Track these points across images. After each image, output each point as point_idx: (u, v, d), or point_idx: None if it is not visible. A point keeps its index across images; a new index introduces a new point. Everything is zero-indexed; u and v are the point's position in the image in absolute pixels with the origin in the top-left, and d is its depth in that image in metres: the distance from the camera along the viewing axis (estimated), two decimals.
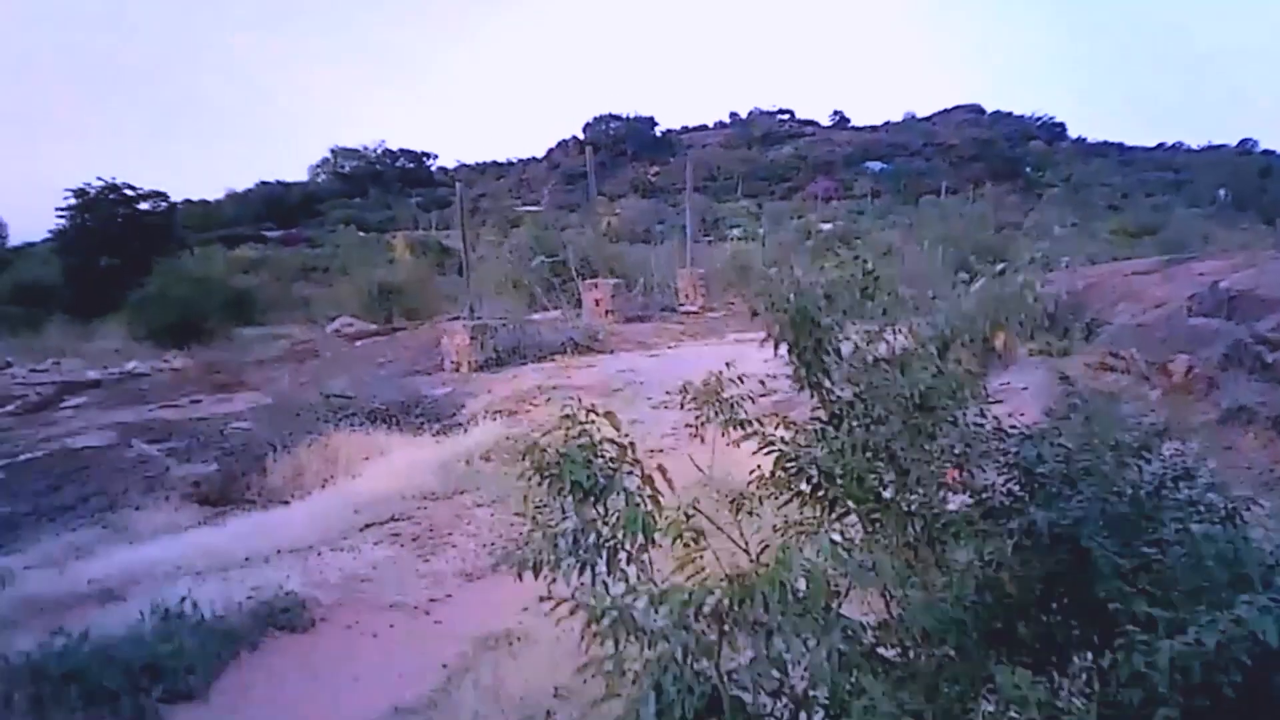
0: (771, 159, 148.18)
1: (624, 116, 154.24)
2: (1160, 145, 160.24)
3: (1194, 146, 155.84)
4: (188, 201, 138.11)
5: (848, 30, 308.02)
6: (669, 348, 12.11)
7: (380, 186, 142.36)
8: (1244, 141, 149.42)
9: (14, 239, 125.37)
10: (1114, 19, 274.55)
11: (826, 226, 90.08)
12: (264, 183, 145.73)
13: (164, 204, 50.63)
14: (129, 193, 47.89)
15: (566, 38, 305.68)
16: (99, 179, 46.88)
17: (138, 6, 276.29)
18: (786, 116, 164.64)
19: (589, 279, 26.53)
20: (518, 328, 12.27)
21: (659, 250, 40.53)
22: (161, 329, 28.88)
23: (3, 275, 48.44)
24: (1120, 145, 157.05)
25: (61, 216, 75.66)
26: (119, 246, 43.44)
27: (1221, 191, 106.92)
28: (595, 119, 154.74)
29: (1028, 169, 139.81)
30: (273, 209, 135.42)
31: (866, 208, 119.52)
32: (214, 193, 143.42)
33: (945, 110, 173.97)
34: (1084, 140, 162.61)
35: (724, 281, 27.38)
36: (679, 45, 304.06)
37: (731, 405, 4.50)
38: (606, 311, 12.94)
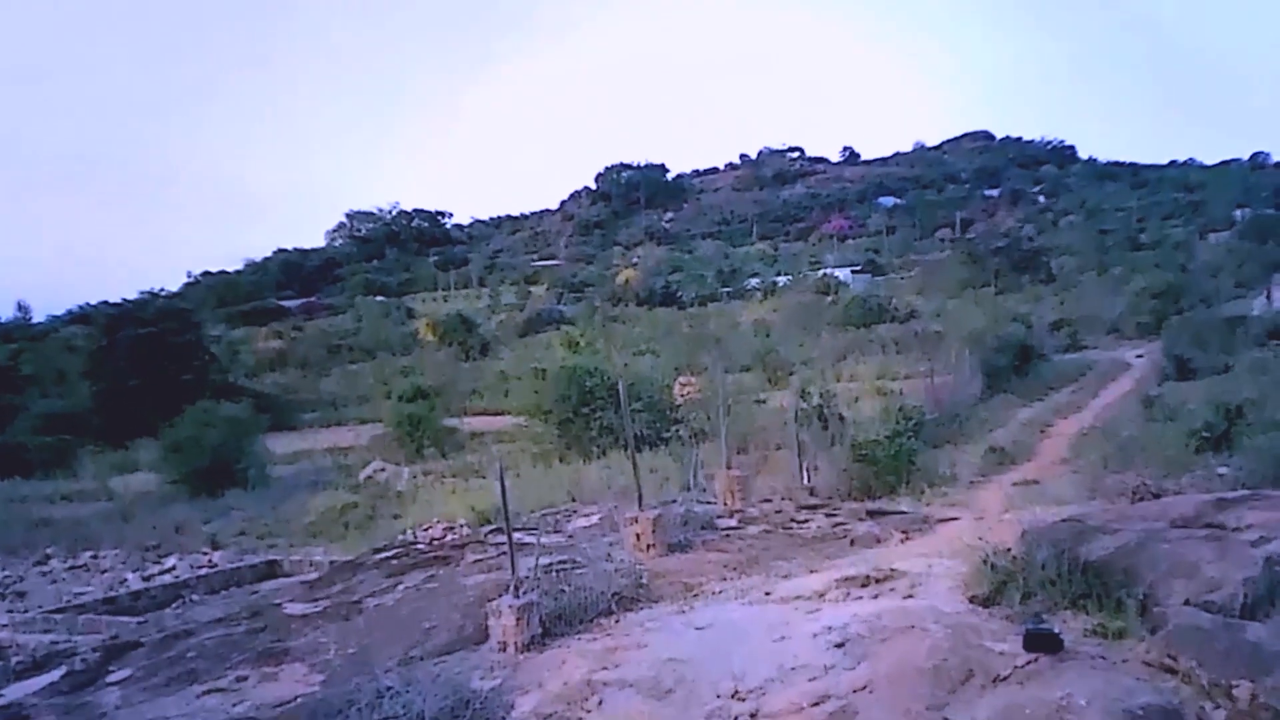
0: (784, 199, 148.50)
1: (635, 165, 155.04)
2: (1172, 163, 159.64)
3: (1206, 163, 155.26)
4: (206, 274, 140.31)
5: (852, 62, 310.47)
6: (715, 593, 12.01)
7: (397, 247, 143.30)
8: (1256, 155, 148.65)
9: (37, 314, 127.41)
10: (1114, 33, 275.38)
11: (843, 274, 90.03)
12: (282, 250, 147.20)
13: (190, 320, 51.11)
14: (154, 310, 48.62)
15: (574, 88, 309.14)
16: (123, 300, 47.53)
17: (147, 79, 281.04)
18: (796, 155, 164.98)
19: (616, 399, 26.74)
20: (561, 578, 12.18)
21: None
22: (193, 474, 29.19)
23: (32, 394, 48.94)
24: (1132, 165, 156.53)
25: (86, 313, 75.89)
26: (146, 366, 43.89)
27: (1238, 213, 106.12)
28: (607, 168, 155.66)
29: (1041, 197, 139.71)
30: (292, 276, 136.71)
31: (883, 244, 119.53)
32: (232, 263, 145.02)
33: (954, 138, 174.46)
34: (1095, 161, 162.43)
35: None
36: (686, 88, 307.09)
37: None
38: (648, 545, 12.91)
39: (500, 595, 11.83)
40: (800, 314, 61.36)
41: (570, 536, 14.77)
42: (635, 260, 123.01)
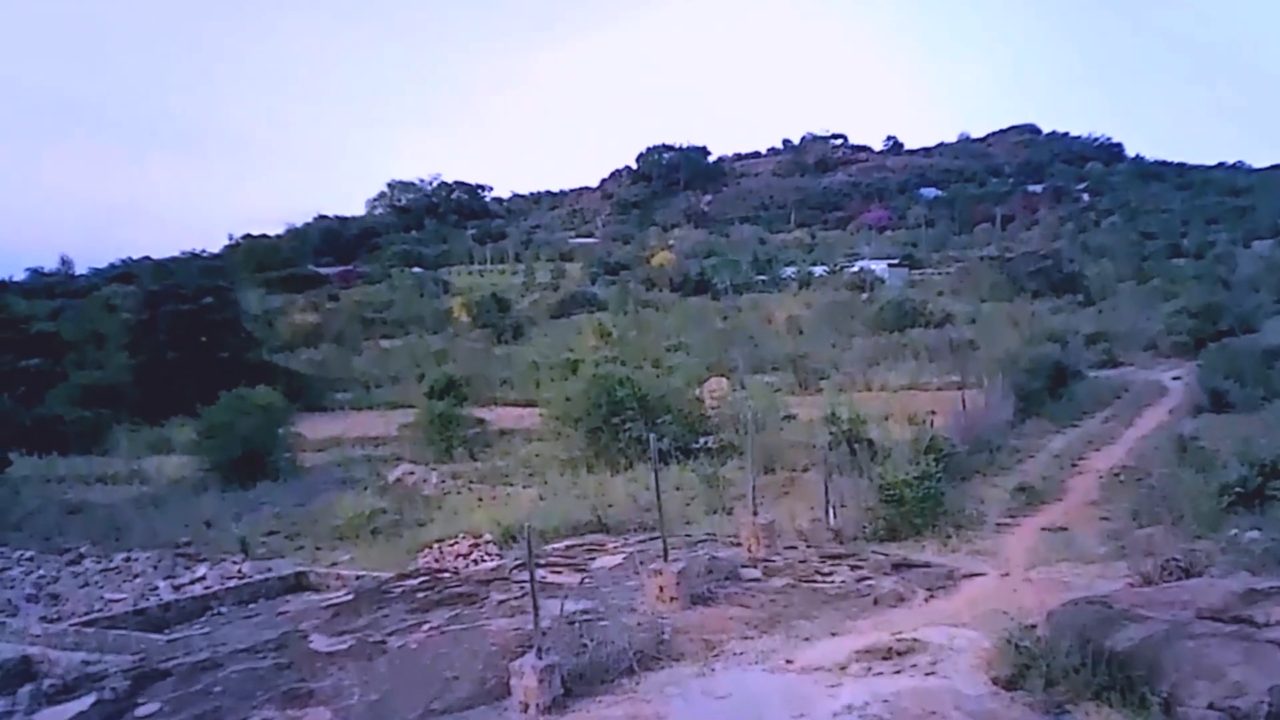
0: (824, 186, 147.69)
1: (677, 146, 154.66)
2: (1220, 164, 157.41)
3: (1255, 166, 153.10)
4: (248, 236, 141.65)
5: (901, 50, 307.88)
6: (736, 654, 12.11)
7: (436, 219, 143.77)
8: None
9: (79, 266, 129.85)
10: (1167, 28, 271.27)
11: (880, 268, 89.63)
12: (322, 217, 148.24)
13: (229, 298, 51.71)
14: (195, 276, 49.63)
15: (620, 67, 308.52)
16: (165, 259, 48.28)
17: (194, 45, 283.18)
18: (839, 141, 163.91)
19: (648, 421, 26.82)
20: (584, 631, 12.27)
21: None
22: (226, 462, 29.57)
23: (70, 361, 49.72)
24: (1179, 165, 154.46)
25: (128, 270, 77.27)
26: (184, 342, 44.54)
27: None
28: (649, 149, 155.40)
29: (1084, 195, 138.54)
30: (331, 243, 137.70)
31: (921, 237, 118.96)
32: (273, 227, 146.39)
33: (999, 131, 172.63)
34: (1141, 159, 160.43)
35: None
36: (731, 71, 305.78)
37: None
38: (671, 598, 12.98)
39: (523, 649, 11.97)
40: (833, 313, 61.20)
41: (594, 578, 14.86)
42: (671, 242, 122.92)
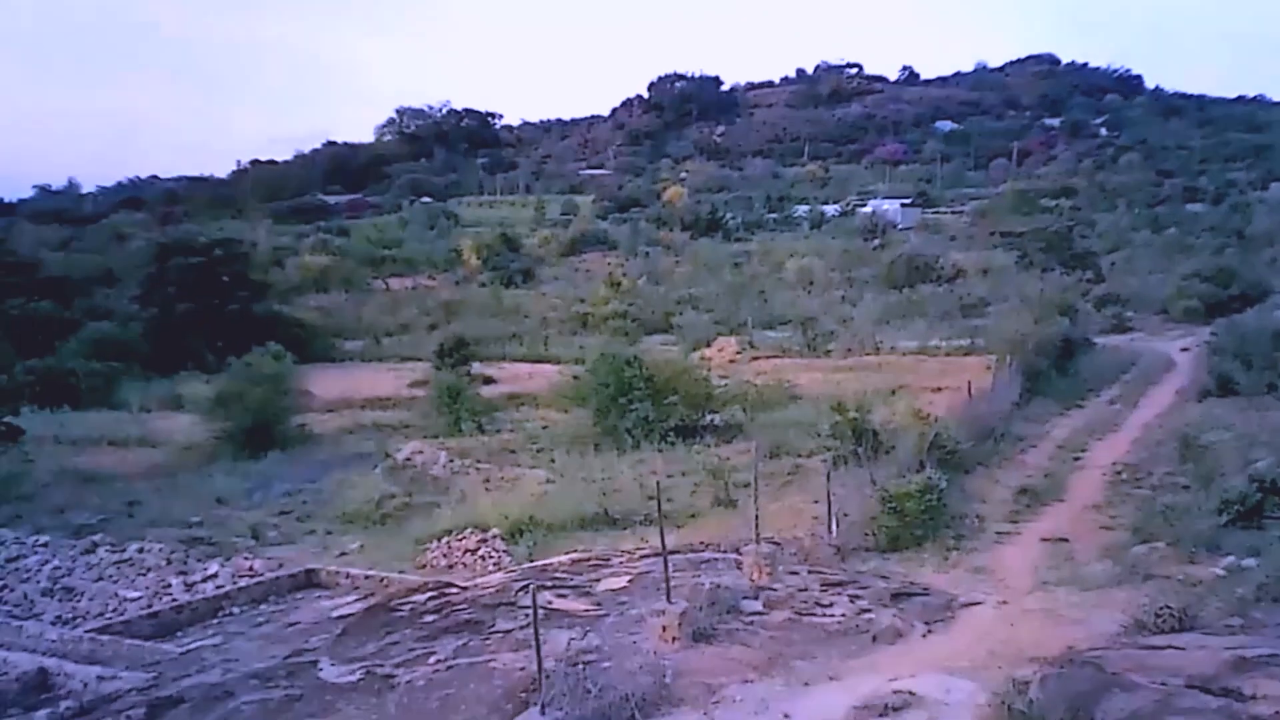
0: (838, 118, 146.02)
1: (689, 75, 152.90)
2: (1240, 98, 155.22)
3: (1275, 99, 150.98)
4: (255, 162, 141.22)
5: None
6: (736, 701, 12.32)
7: (446, 148, 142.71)
8: None
9: (87, 185, 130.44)
10: None
11: (892, 209, 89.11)
12: (331, 143, 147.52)
13: (238, 252, 51.82)
14: (204, 239, 50.02)
15: None
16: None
17: None
18: (854, 71, 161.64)
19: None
20: (587, 673, 12.52)
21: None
22: (238, 431, 29.84)
23: (79, 306, 50.17)
24: (1199, 98, 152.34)
25: (137, 197, 77.37)
26: (194, 293, 44.87)
27: None
28: (660, 78, 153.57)
29: (1102, 130, 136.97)
30: (339, 171, 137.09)
31: (936, 173, 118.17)
32: (281, 153, 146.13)
33: (1018, 60, 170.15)
34: (1161, 91, 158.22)
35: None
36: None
37: None
38: (673, 638, 13.24)
39: (528, 690, 12.25)
40: (844, 264, 61.24)
41: (599, 603, 15.11)
42: (684, 175, 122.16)
